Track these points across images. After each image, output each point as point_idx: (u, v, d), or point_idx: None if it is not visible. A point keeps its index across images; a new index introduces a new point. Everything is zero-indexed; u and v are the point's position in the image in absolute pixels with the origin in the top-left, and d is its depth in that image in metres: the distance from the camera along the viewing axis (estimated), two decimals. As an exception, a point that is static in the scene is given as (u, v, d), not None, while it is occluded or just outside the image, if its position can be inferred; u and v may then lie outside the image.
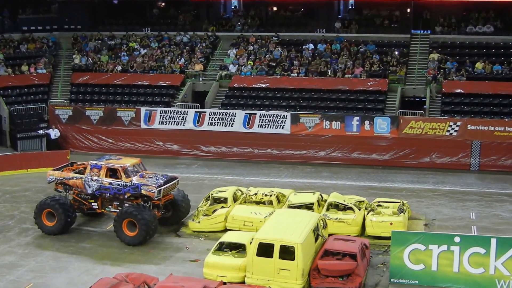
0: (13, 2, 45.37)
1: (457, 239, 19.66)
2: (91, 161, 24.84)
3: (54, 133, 37.09)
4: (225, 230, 23.81)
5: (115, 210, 24.31)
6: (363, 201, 25.61)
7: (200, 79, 40.03)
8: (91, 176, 24.20)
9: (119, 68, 41.34)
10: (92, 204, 24.79)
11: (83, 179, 24.36)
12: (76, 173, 25.00)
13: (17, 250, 23.19)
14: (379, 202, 25.53)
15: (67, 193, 24.92)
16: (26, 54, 42.83)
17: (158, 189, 23.47)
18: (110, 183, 23.92)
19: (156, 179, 24.04)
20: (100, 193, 24.26)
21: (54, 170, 25.32)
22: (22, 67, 41.35)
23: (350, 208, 24.33)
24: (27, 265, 21.86)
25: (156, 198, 23.59)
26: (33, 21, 45.52)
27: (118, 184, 23.81)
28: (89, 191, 24.36)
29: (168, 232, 24.81)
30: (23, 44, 43.44)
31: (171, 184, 24.37)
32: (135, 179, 23.83)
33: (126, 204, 24.00)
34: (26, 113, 37.99)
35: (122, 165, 24.04)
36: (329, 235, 21.94)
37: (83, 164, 25.41)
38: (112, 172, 23.99)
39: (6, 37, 43.78)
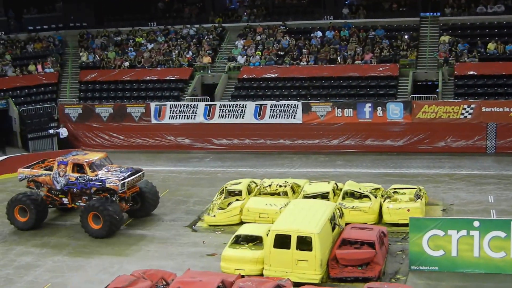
0: (18, 2, 45.28)
1: (476, 224, 19.44)
2: (58, 158, 25.43)
3: (61, 131, 37.13)
4: (241, 223, 23.64)
5: (84, 204, 24.77)
6: (379, 189, 25.40)
7: (209, 71, 39.79)
8: (58, 172, 24.70)
9: (127, 64, 41.18)
10: (63, 199, 25.42)
11: (51, 176, 24.96)
12: (46, 169, 25.60)
13: (34, 250, 23.23)
14: (395, 188, 25.26)
15: (39, 190, 25.52)
16: (33, 54, 42.73)
17: (121, 182, 23.98)
18: (77, 178, 24.47)
19: (121, 172, 24.56)
20: (68, 188, 24.88)
21: (24, 168, 25.95)
22: (29, 67, 41.27)
23: (366, 196, 24.11)
24: (44, 265, 21.88)
25: (120, 191, 24.08)
26: (39, 20, 45.44)
27: (84, 179, 24.38)
28: (58, 187, 25.00)
29: (184, 228, 24.74)
30: (29, 44, 43.37)
31: (136, 176, 24.82)
32: (101, 174, 24.34)
33: (94, 198, 24.50)
34: (36, 113, 37.98)
35: (87, 160, 24.63)
36: (346, 224, 21.78)
37: (53, 161, 25.99)
38: (79, 168, 24.55)
39: (12, 37, 43.73)
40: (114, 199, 24.19)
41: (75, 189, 24.72)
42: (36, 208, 24.84)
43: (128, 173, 24.53)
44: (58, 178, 24.81)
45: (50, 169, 25.46)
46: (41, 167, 25.91)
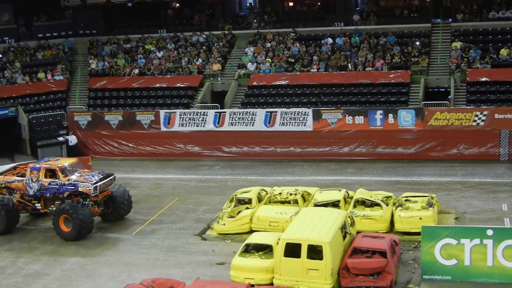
0: (28, 9, 45.46)
1: (489, 232, 19.15)
2: (31, 164, 25.91)
3: (70, 139, 37.16)
4: (251, 231, 23.48)
5: None
6: (391, 197, 25.16)
7: (219, 79, 39.70)
8: (31, 178, 25.07)
9: (136, 71, 41.18)
10: (36, 204, 25.90)
11: (24, 182, 25.36)
12: (19, 176, 26.01)
13: (42, 258, 23.17)
14: (407, 197, 25.00)
15: (12, 196, 25.86)
16: (42, 61, 42.88)
17: (94, 185, 24.36)
18: (49, 184, 24.87)
19: (93, 176, 24.98)
20: (41, 193, 25.33)
21: None
22: (39, 75, 41.36)
23: (378, 204, 23.87)
24: (53, 273, 21.79)
25: (93, 195, 24.43)
26: (48, 28, 45.60)
27: (57, 184, 24.82)
28: (31, 193, 25.44)
29: (193, 236, 24.56)
30: (39, 51, 43.51)
31: (107, 180, 25.29)
32: (73, 178, 24.77)
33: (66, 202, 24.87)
34: (45, 120, 38.03)
35: (59, 165, 25.07)
36: (357, 232, 21.53)
37: (25, 167, 26.42)
38: (52, 173, 24.96)
39: (22, 45, 43.90)
40: (86, 203, 24.59)
41: (48, 194, 25.18)
42: (7, 214, 25.30)
43: (100, 177, 24.98)
44: (31, 184, 25.20)
45: (23, 175, 25.87)
46: (13, 174, 26.34)
